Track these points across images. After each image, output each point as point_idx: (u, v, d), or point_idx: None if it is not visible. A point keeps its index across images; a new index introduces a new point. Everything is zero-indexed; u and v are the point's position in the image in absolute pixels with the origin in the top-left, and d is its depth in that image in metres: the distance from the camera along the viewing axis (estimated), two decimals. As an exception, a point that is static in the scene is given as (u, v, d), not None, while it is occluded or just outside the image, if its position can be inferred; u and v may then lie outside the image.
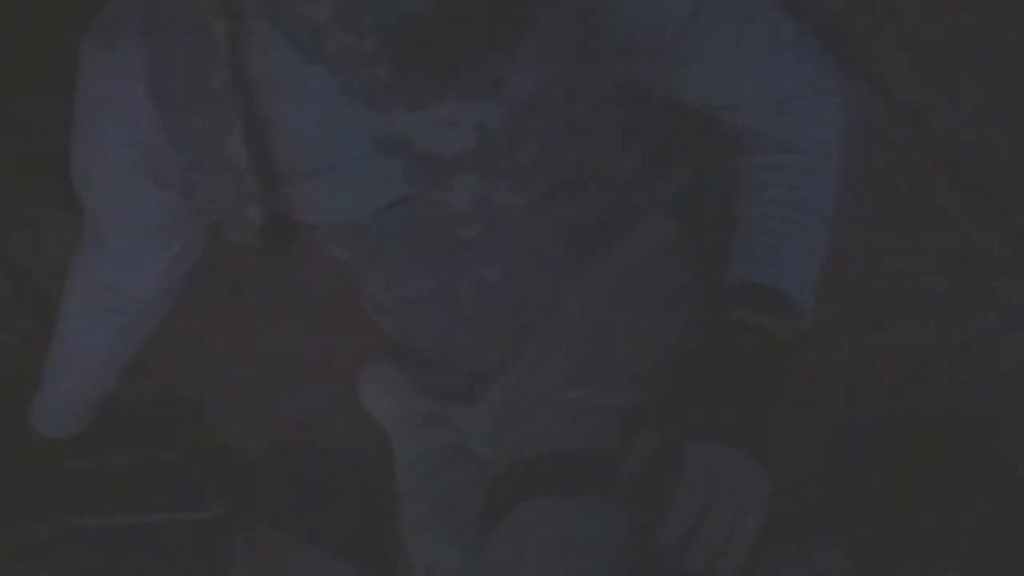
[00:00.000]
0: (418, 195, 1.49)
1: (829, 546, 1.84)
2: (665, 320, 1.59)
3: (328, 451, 2.08)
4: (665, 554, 1.42)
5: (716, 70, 1.49)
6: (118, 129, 1.50)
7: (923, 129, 2.02)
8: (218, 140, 1.43)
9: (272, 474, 2.09)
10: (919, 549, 1.88)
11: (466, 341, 1.66)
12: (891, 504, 1.90)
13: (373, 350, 1.76)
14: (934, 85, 2.02)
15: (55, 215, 2.05)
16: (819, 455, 1.93)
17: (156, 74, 1.45)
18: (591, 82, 1.45)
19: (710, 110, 1.54)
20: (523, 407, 1.59)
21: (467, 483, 1.64)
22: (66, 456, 1.95)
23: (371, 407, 1.76)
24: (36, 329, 2.02)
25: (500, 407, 1.64)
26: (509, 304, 1.62)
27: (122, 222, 1.60)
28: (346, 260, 1.63)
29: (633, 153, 1.59)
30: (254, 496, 2.07)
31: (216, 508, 2.04)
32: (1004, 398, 1.96)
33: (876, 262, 2.01)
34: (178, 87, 1.44)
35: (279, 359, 2.13)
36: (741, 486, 1.42)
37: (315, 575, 2.05)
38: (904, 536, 1.89)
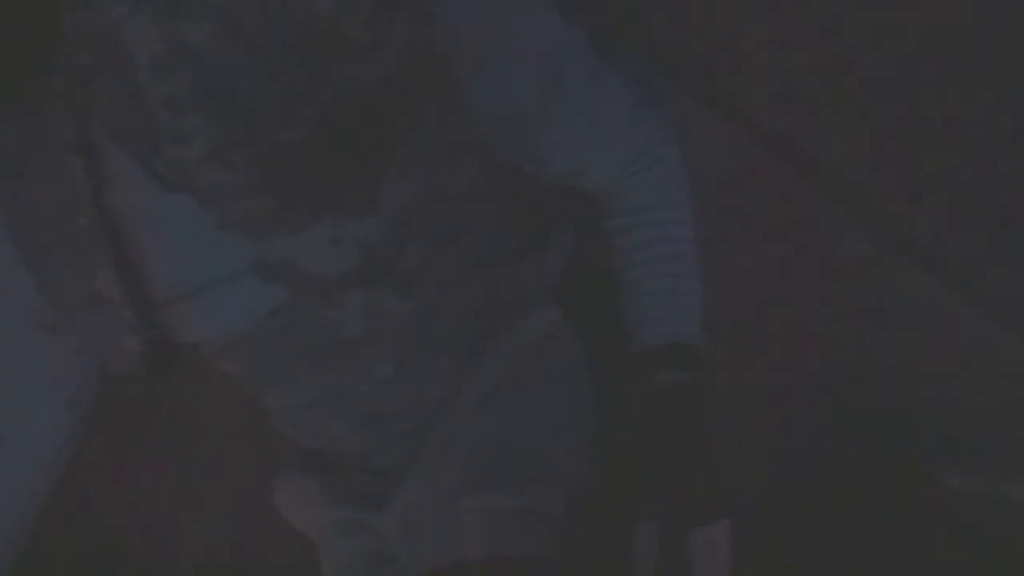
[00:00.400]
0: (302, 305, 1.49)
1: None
2: (561, 405, 1.62)
3: (261, 568, 2.07)
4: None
5: (567, 141, 1.51)
6: None
7: (793, 155, 2.04)
8: (88, 277, 1.41)
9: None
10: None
11: (369, 441, 1.65)
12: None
13: (283, 460, 1.75)
14: (796, 112, 2.05)
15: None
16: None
17: (17, 220, 1.41)
18: (464, 180, 1.46)
19: (564, 178, 1.56)
20: (425, 515, 1.59)
21: None
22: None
23: (291, 518, 1.75)
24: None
25: (406, 515, 1.63)
26: (406, 399, 1.61)
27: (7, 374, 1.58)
28: (236, 373, 1.62)
29: (514, 242, 1.60)
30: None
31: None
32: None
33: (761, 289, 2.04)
34: (42, 229, 1.41)
35: (199, 482, 2.12)
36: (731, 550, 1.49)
37: None
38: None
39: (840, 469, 1.93)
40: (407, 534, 1.62)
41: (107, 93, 1.31)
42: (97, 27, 1.28)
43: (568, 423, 1.60)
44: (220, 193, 1.34)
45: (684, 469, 1.50)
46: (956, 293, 1.98)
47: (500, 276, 1.59)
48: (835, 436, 1.94)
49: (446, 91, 1.37)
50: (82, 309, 1.43)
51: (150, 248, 1.41)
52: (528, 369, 1.62)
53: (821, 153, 2.02)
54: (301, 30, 1.25)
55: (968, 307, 1.97)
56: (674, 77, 1.97)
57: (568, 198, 1.62)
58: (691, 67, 2.00)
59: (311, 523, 1.71)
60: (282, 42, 1.25)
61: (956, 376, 1.96)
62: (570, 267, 1.67)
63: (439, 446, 1.61)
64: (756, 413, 1.97)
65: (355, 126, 1.34)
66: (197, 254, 1.43)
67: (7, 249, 1.43)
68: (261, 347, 1.55)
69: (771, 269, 2.02)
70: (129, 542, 2.08)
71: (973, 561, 1.85)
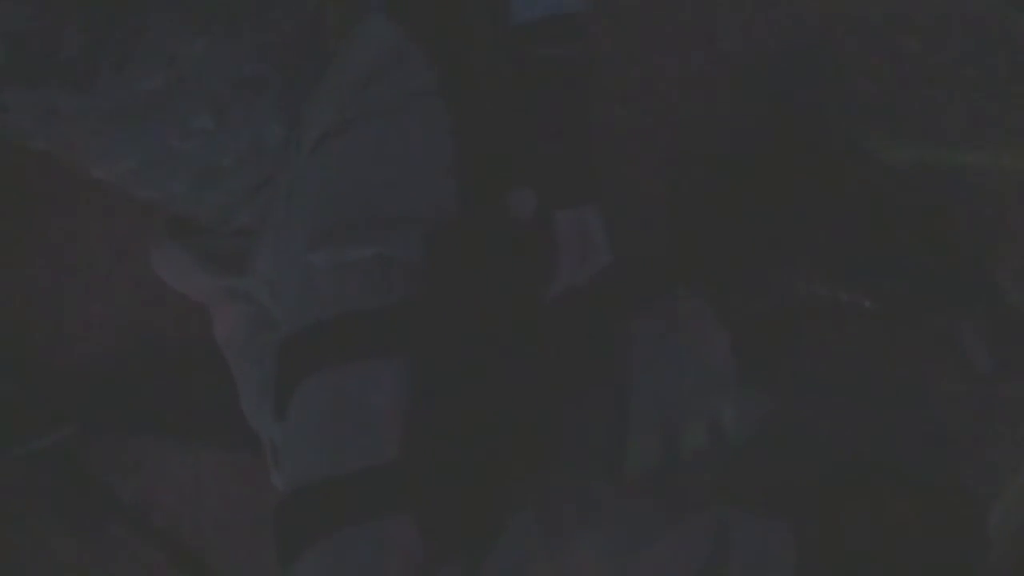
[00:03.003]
0: None
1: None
2: (410, 137, 1.51)
3: (168, 345, 2.07)
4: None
5: None
6: None
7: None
8: None
9: (116, 380, 2.08)
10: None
11: (217, 200, 1.61)
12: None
13: (155, 229, 1.73)
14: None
15: None
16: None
17: None
18: None
19: None
20: (283, 275, 1.55)
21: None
22: None
23: (175, 286, 1.73)
24: None
25: (267, 275, 1.59)
26: (240, 151, 1.56)
27: None
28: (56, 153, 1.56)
29: None
30: (105, 405, 2.05)
31: (68, 426, 2.02)
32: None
33: None
34: None
35: (93, 262, 2.10)
36: None
37: (187, 468, 2.03)
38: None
39: (765, 151, 1.85)
40: (273, 296, 1.58)
41: None
42: None
43: (419, 156, 1.51)
44: None
45: (559, 143, 1.48)
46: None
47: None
48: (759, 117, 1.85)
49: None
50: None
51: None
52: (367, 102, 1.52)
53: None
54: None
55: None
56: None
57: None
58: None
59: (193, 290, 1.70)
60: None
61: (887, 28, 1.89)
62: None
63: (285, 199, 1.55)
64: (673, 102, 1.91)
65: None
66: None
67: None
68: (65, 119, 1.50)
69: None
70: (27, 326, 2.08)
71: (911, 239, 1.76)
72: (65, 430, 2.00)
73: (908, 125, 1.84)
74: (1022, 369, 1.73)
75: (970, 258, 1.77)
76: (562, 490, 1.46)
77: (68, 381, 2.04)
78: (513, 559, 1.40)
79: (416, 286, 1.45)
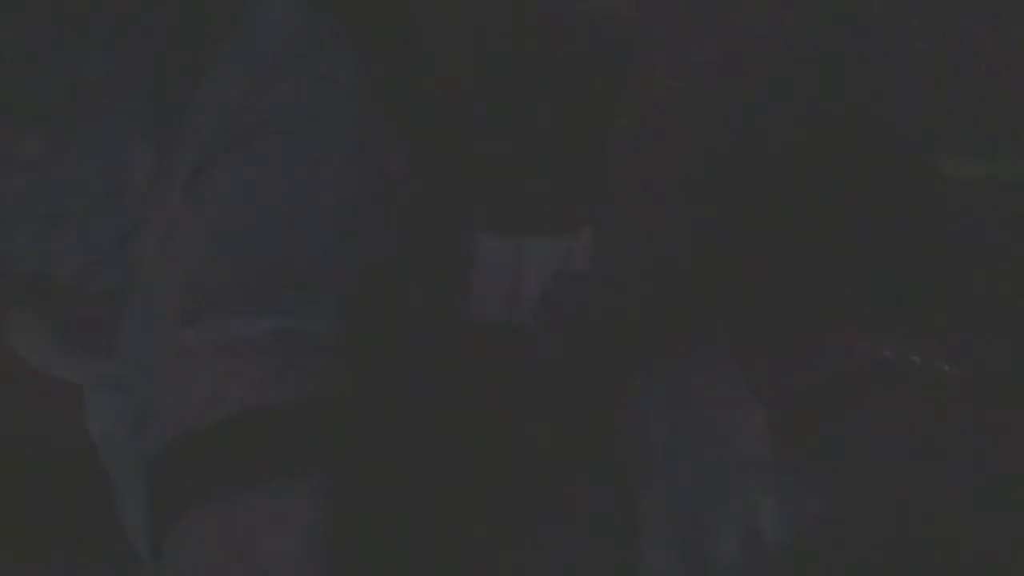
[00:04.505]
0: None
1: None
2: (321, 159, 1.13)
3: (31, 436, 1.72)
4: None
5: None
6: None
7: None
8: None
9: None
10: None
11: (73, 255, 1.27)
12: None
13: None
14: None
15: None
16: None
17: None
18: None
19: None
20: (154, 358, 1.18)
21: None
22: None
23: (32, 362, 1.40)
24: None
25: (140, 358, 1.22)
26: (94, 190, 1.21)
27: None
28: None
29: None
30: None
31: None
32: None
33: None
34: None
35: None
36: None
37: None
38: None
39: (806, 166, 1.52)
40: (149, 386, 1.20)
41: None
42: None
43: (338, 187, 1.13)
44: None
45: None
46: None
47: None
48: (796, 120, 1.53)
49: None
50: None
51: None
52: (264, 111, 1.14)
53: None
54: None
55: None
56: None
57: None
58: None
59: (55, 368, 1.36)
60: None
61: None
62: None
63: (157, 253, 1.18)
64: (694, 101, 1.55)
65: None
66: None
67: None
68: None
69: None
70: None
71: (1001, 281, 1.43)
72: None
73: (977, 130, 1.54)
74: None
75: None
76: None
77: None
78: None
79: (330, 371, 1.08)
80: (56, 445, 1.63)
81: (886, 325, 1.42)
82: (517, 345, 1.18)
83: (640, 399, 1.30)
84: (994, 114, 1.56)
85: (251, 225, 1.12)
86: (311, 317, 1.10)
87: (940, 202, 1.46)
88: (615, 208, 1.25)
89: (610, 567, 1.24)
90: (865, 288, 1.43)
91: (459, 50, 1.16)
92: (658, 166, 1.37)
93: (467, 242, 1.17)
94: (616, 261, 1.24)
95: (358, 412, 1.09)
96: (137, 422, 1.25)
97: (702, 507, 1.28)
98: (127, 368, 1.24)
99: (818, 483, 1.38)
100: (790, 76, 1.44)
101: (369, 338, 1.10)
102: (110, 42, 1.11)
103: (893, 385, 1.41)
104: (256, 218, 1.12)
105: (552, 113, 1.18)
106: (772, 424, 1.33)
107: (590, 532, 1.24)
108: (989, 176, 1.53)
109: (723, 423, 1.33)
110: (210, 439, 1.08)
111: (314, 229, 1.11)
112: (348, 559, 1.05)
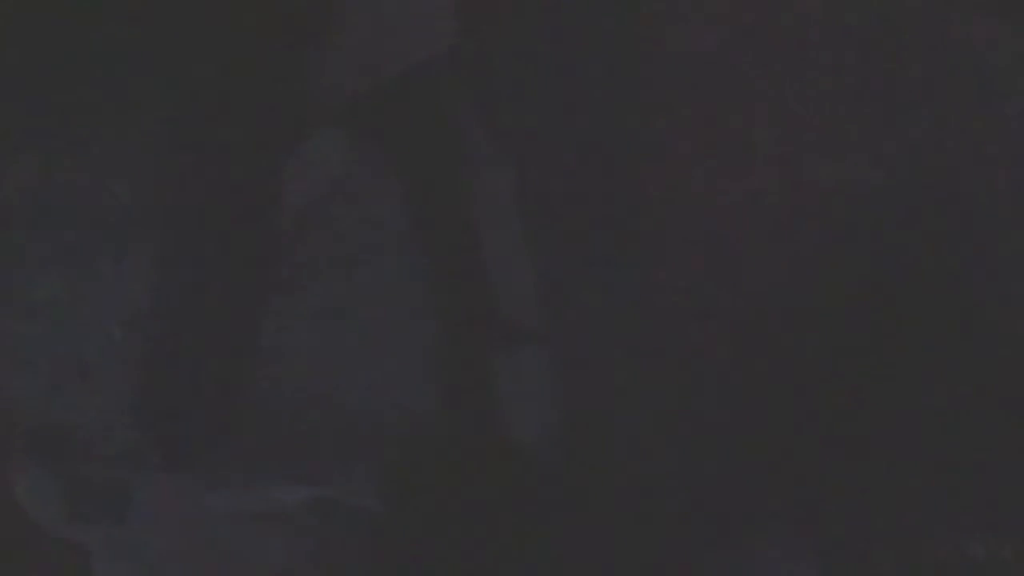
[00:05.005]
0: None
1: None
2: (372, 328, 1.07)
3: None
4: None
5: None
6: None
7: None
8: None
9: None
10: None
11: (91, 407, 1.15)
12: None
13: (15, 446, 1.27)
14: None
15: None
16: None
17: None
18: None
19: None
20: (173, 527, 1.09)
21: None
22: None
23: (42, 523, 1.28)
24: None
25: (158, 525, 1.13)
26: (121, 340, 1.11)
27: None
28: None
29: None
30: None
31: None
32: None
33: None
34: None
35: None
36: None
37: None
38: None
39: (881, 318, 1.42)
40: (170, 553, 1.11)
41: None
42: None
43: (389, 352, 1.04)
44: None
45: None
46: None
47: None
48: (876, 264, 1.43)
49: None
50: None
51: None
52: (310, 252, 1.12)
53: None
54: None
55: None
56: None
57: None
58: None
59: (66, 532, 1.24)
60: None
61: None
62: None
63: (185, 411, 1.10)
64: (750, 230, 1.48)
65: None
66: None
67: None
68: None
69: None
70: None
71: None
72: None
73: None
74: None
75: None
76: None
77: None
78: None
79: (371, 543, 0.98)
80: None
81: (977, 519, 1.31)
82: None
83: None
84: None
85: (286, 380, 1.08)
86: (351, 486, 1.03)
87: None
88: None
89: None
90: (950, 475, 1.33)
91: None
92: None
93: None
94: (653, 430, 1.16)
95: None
96: None
97: None
98: (140, 534, 1.15)
99: None
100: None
101: (411, 508, 1.04)
102: (135, 176, 1.03)
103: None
104: (292, 373, 1.08)
105: None
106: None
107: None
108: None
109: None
110: None
111: (358, 385, 1.04)
112: None
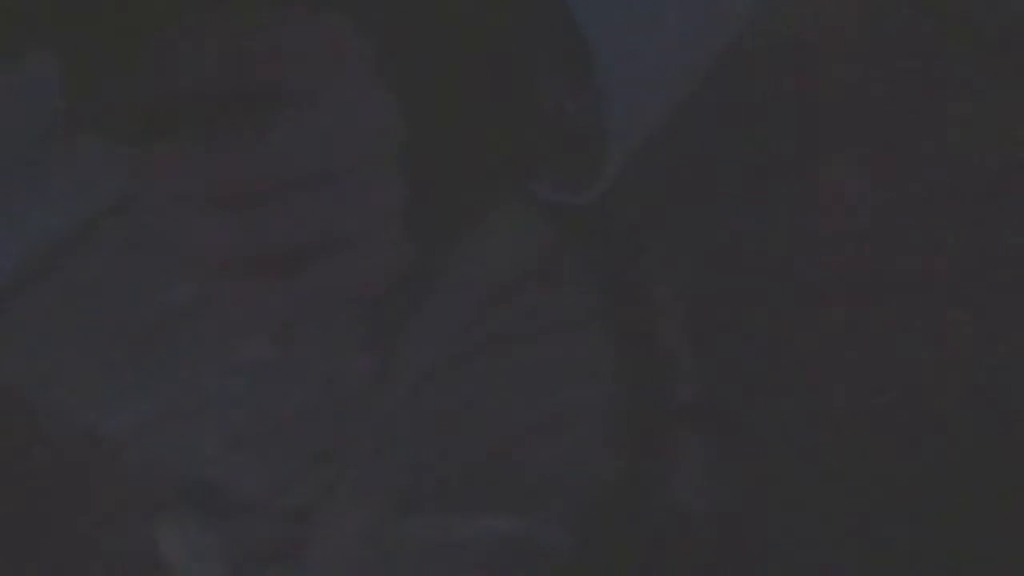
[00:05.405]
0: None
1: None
2: (562, 371, 1.08)
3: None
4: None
5: None
6: None
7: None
8: None
9: None
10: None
11: (267, 468, 1.14)
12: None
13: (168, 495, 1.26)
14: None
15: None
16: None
17: None
18: None
19: None
20: (353, 560, 1.08)
21: None
22: None
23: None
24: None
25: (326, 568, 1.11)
26: (308, 395, 1.10)
27: None
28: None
29: None
30: None
31: None
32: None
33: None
34: None
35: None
36: None
37: None
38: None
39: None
40: None
41: None
42: None
43: (576, 400, 1.08)
44: None
45: None
46: None
47: None
48: None
49: None
50: None
51: None
52: (507, 320, 1.09)
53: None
54: None
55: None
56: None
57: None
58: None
59: None
60: None
61: None
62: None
63: (364, 461, 1.10)
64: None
65: None
66: None
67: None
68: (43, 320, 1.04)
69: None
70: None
71: None
72: None
73: None
74: None
75: None
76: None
77: None
78: None
79: None
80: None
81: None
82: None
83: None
84: None
85: (491, 423, 1.05)
86: (548, 524, 1.03)
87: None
88: None
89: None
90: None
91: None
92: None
93: None
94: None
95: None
96: None
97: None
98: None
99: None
100: None
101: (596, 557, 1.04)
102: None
103: None
104: (497, 418, 1.05)
105: None
106: None
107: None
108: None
109: None
110: None
111: (552, 435, 1.04)
112: None
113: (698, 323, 1.16)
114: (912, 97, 1.52)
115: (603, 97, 0.87)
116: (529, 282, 1.06)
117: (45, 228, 0.96)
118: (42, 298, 0.99)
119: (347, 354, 1.05)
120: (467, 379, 1.05)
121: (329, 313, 0.93)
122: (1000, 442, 1.37)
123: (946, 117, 1.51)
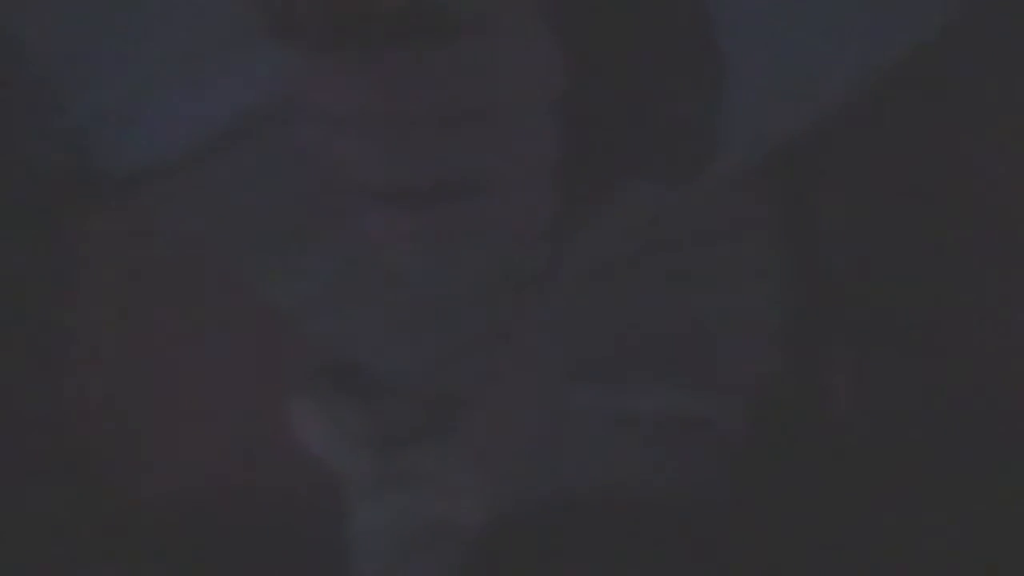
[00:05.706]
0: None
1: None
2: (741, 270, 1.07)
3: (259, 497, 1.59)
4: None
5: None
6: None
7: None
8: None
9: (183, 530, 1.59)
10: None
11: (427, 350, 1.12)
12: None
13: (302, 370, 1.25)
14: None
15: None
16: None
17: None
18: None
19: None
20: (514, 434, 1.07)
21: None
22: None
23: (320, 453, 1.26)
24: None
25: (484, 442, 1.10)
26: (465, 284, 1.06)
27: None
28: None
29: None
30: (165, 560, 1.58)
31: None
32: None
33: None
34: None
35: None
36: None
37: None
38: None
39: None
40: (480, 475, 1.09)
41: None
42: None
43: (747, 301, 1.07)
44: None
45: None
46: None
47: None
48: None
49: None
50: None
51: None
52: (681, 222, 1.06)
53: None
54: None
55: None
56: None
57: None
58: None
59: (346, 463, 1.22)
60: None
61: None
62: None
63: (533, 332, 1.07)
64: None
65: None
66: None
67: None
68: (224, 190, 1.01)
69: None
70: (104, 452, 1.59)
71: None
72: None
73: None
74: None
75: None
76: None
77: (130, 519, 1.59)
78: None
79: (727, 469, 0.99)
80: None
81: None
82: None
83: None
84: None
85: (666, 313, 1.04)
86: (727, 411, 1.02)
87: None
88: None
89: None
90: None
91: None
92: None
93: None
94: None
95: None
96: (430, 534, 1.16)
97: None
98: (455, 468, 1.14)
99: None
100: None
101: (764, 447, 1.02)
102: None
103: None
104: (685, 308, 1.04)
105: None
106: None
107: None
108: None
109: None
110: (581, 512, 0.98)
111: (732, 331, 1.05)
112: None
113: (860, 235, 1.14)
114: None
115: (725, 111, 0.85)
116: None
117: (211, 118, 0.96)
118: (206, 180, 1.00)
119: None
120: (646, 274, 1.04)
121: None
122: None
123: None
